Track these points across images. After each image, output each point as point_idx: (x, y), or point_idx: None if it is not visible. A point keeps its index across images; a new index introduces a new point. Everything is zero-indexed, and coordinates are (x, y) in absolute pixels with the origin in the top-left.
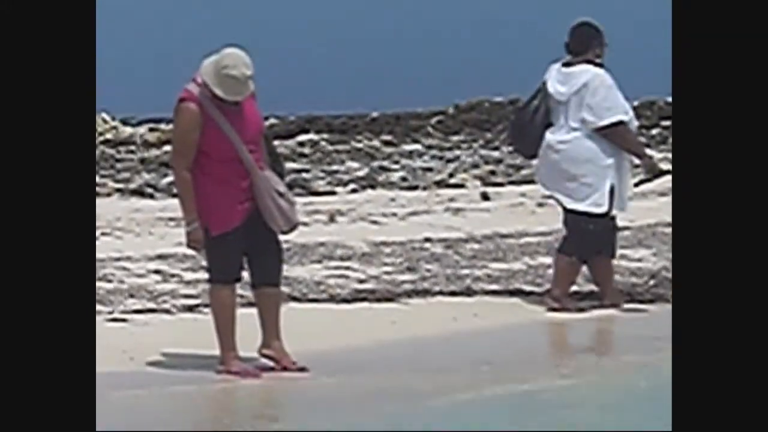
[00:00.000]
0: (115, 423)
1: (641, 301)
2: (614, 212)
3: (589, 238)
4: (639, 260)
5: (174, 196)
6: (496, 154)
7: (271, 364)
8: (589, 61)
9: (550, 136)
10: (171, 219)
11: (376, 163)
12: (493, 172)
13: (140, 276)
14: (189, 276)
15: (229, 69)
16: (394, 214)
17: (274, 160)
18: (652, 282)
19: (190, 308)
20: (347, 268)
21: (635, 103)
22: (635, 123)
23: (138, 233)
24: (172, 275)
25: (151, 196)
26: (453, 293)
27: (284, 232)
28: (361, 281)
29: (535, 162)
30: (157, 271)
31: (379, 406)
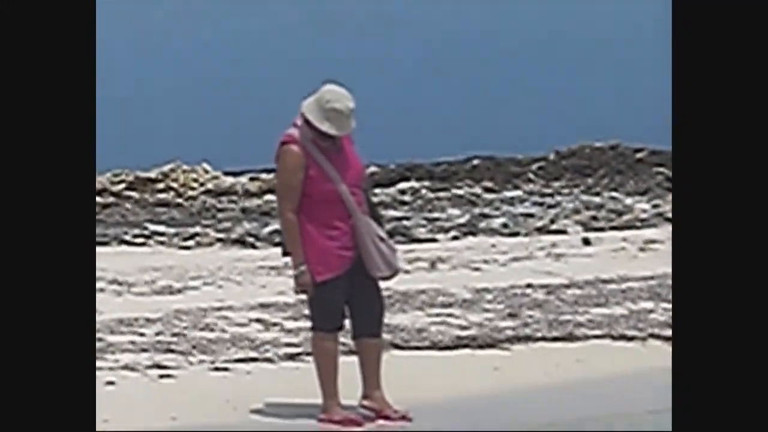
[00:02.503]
0: None
1: None
2: None
3: None
4: None
5: (276, 245)
6: (597, 199)
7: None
8: None
9: None
10: (272, 268)
11: (477, 210)
12: (594, 218)
13: (242, 325)
14: (290, 324)
15: (333, 103)
16: (496, 261)
17: (372, 208)
18: None
19: (292, 357)
20: (449, 315)
21: None
22: None
23: (239, 282)
24: (274, 324)
25: (253, 246)
26: (555, 339)
27: (386, 278)
28: (463, 328)
29: (638, 206)
30: (258, 320)
31: None
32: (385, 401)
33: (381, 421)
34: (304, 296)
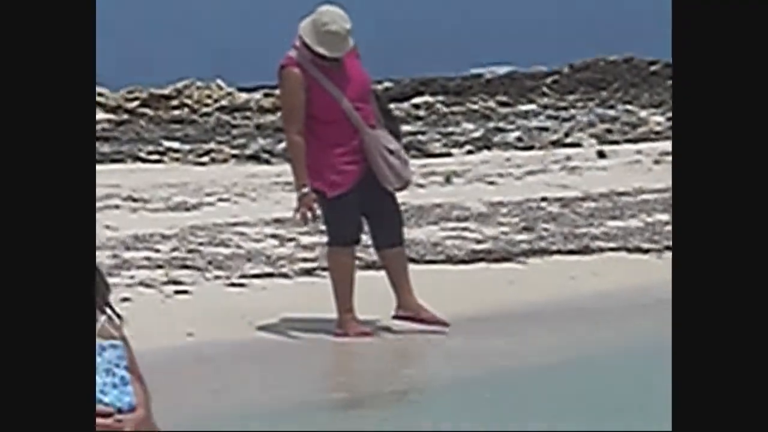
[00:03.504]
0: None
1: None
2: None
3: None
4: None
5: (290, 160)
6: (611, 112)
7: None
8: None
9: None
10: (287, 183)
11: (491, 124)
12: (609, 131)
13: (257, 241)
14: (306, 240)
15: (328, 25)
16: (510, 174)
17: (389, 120)
18: None
19: (308, 272)
20: (464, 229)
21: None
22: None
23: (254, 198)
24: (290, 239)
25: (267, 162)
26: (570, 252)
27: (397, 189)
28: (479, 242)
29: (652, 119)
30: (274, 236)
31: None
32: (420, 306)
33: (418, 326)
34: (300, 218)
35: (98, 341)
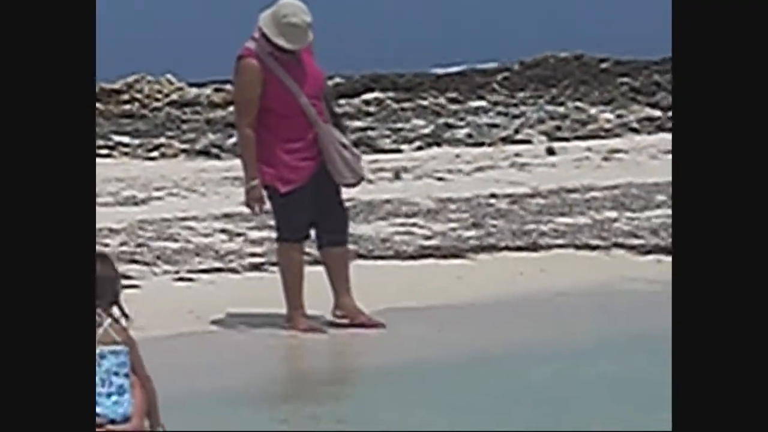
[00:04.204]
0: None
1: None
2: None
3: None
4: None
5: (239, 156)
6: (561, 109)
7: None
8: None
9: None
10: (236, 179)
11: (441, 120)
12: (558, 128)
13: (206, 235)
14: (255, 235)
15: (289, 17)
16: (460, 171)
17: (335, 117)
18: None
19: (257, 267)
20: (413, 224)
21: None
22: None
23: (204, 193)
24: (238, 234)
25: (217, 157)
26: (519, 248)
27: (351, 185)
28: (427, 238)
29: (602, 116)
30: (223, 231)
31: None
32: (357, 308)
33: (354, 330)
34: (249, 210)
35: (99, 348)
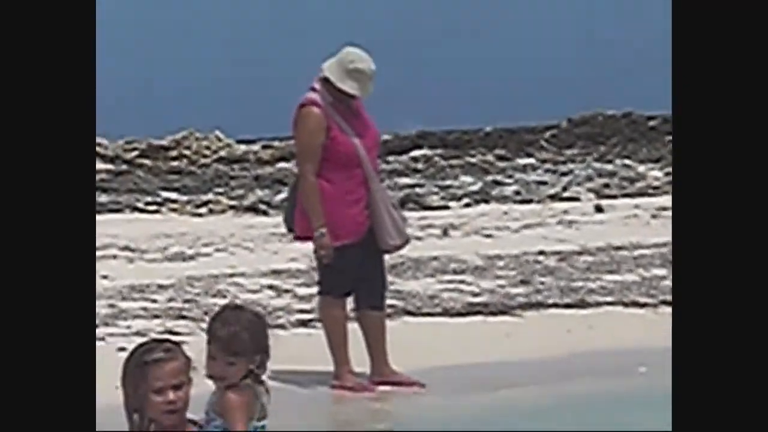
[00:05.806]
0: None
1: None
2: None
3: None
4: None
5: (305, 204)
6: (609, 167)
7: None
8: None
9: None
10: (284, 235)
11: (489, 178)
12: (606, 185)
13: (254, 292)
14: (302, 291)
15: (356, 63)
16: (508, 228)
17: None
18: None
19: (304, 323)
20: (461, 281)
21: None
22: None
23: (251, 249)
24: (286, 290)
25: (265, 213)
26: (567, 305)
27: (398, 247)
28: (475, 294)
29: (650, 174)
30: (270, 287)
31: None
32: (393, 372)
33: (398, 388)
34: (317, 260)
35: (252, 424)
